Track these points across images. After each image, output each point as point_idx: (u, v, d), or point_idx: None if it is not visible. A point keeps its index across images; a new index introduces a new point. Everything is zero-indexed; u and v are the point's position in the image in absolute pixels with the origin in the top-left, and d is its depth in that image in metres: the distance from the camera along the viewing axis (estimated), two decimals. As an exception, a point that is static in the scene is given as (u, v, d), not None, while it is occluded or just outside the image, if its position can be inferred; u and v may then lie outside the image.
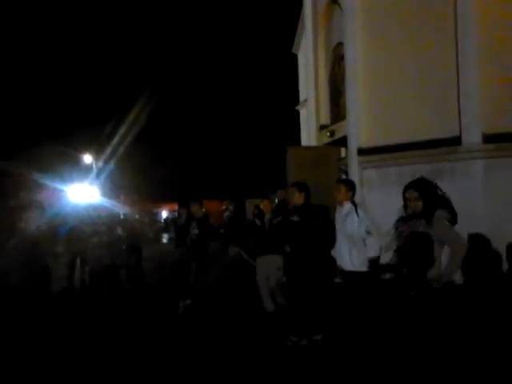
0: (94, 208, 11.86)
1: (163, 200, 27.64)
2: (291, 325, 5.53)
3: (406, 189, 4.53)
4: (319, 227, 5.58)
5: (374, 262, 5.08)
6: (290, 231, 5.82)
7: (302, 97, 15.93)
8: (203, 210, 7.96)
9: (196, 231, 7.46)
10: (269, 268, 6.65)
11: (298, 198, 5.76)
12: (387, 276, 5.45)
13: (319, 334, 5.33)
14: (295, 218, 5.70)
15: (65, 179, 22.09)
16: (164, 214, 27.17)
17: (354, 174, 8.57)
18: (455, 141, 7.54)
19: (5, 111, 24.59)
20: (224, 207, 11.75)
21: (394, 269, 4.55)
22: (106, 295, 7.23)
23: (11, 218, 6.44)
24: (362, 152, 8.60)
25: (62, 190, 20.37)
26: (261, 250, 6.77)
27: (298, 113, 17.49)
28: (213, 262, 7.77)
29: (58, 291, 8.12)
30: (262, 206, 7.15)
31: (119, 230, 8.64)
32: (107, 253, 8.41)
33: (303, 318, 5.43)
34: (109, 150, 25.43)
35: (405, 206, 4.37)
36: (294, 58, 16.86)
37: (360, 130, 8.67)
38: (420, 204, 4.33)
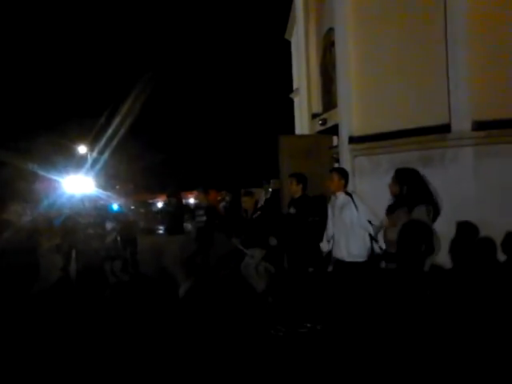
0: (89, 199, 11.91)
1: (159, 190, 27.65)
2: (281, 315, 5.64)
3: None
4: (313, 224, 5.67)
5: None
6: (286, 223, 5.91)
7: (295, 85, 15.86)
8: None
9: (203, 218, 7.58)
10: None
11: (295, 190, 5.87)
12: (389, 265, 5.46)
13: (309, 323, 5.44)
14: (292, 211, 5.81)
15: (60, 170, 22.09)
16: (159, 205, 27.15)
17: (346, 162, 8.60)
18: (445, 128, 7.55)
19: (-1, 102, 24.45)
20: (220, 198, 11.81)
21: (394, 258, 4.60)
22: (99, 287, 7.28)
23: (5, 209, 6.48)
24: (353, 140, 8.62)
25: (58, 181, 20.38)
26: (247, 243, 6.91)
27: (292, 101, 17.42)
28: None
29: (54, 282, 8.26)
30: (243, 203, 7.25)
31: (109, 224, 8.69)
32: (102, 244, 8.47)
33: (294, 308, 5.55)
34: (104, 140, 25.34)
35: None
36: (288, 44, 16.70)
37: (351, 118, 8.67)
38: (396, 189, 4.47)
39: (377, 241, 5.08)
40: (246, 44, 54.36)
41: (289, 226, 5.86)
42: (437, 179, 7.23)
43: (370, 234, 5.09)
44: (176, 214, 7.85)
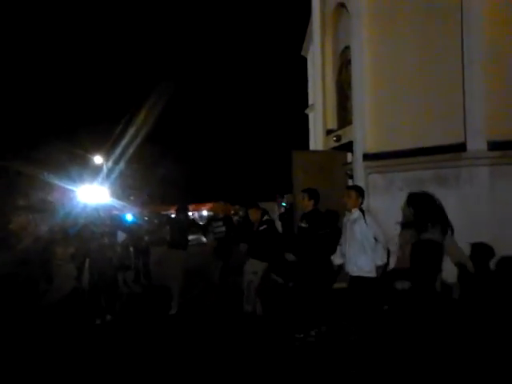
0: (104, 209, 12.02)
1: (173, 202, 27.80)
2: (296, 323, 5.75)
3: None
4: (325, 236, 5.71)
5: (382, 269, 5.13)
6: (299, 236, 5.97)
7: (310, 100, 15.96)
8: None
9: (223, 229, 7.72)
10: (250, 271, 6.85)
11: (307, 205, 5.95)
12: (403, 285, 5.45)
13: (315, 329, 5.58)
14: (304, 225, 5.87)
15: (75, 180, 22.35)
16: (173, 216, 27.24)
17: (360, 179, 8.61)
18: (460, 147, 7.54)
19: (15, 111, 24.89)
20: (233, 212, 11.82)
21: (407, 277, 4.62)
22: (111, 297, 7.34)
23: (22, 218, 6.58)
24: (367, 157, 8.63)
25: (73, 191, 20.63)
26: (249, 253, 7.00)
27: (307, 116, 17.52)
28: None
29: (67, 291, 8.32)
30: (250, 215, 7.34)
31: (120, 235, 8.77)
32: (115, 254, 8.53)
33: (304, 316, 5.67)
34: (119, 150, 25.61)
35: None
36: (305, 60, 16.89)
37: (366, 135, 8.70)
38: (409, 212, 4.56)
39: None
40: (262, 60, 54.88)
41: (300, 240, 5.93)
42: (452, 199, 7.29)
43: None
44: (181, 230, 7.94)
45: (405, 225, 4.75)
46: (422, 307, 4.40)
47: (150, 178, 28.36)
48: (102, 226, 9.25)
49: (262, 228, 7.03)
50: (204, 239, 9.05)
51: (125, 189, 27.20)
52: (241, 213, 10.57)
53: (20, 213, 6.39)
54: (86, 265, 8.96)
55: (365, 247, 5.05)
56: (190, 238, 9.21)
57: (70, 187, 20.14)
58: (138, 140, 25.23)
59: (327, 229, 5.84)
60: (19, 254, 5.56)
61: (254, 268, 6.79)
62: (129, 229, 9.46)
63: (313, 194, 5.98)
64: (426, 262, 4.36)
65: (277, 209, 12.78)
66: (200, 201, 29.30)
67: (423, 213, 4.45)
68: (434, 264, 4.36)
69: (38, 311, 5.97)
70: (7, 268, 5.30)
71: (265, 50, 61.38)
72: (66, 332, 6.21)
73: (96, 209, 10.93)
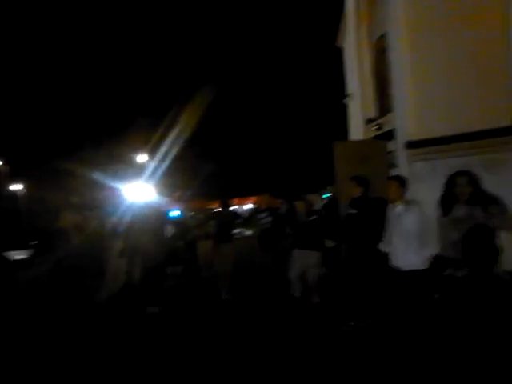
0: (150, 205, 12.37)
1: (216, 197, 28.14)
2: (348, 310, 5.84)
3: (454, 176, 4.62)
4: (373, 220, 5.70)
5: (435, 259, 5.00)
6: (348, 223, 5.99)
7: (348, 90, 15.79)
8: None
9: (269, 219, 7.93)
10: (305, 263, 6.96)
11: (355, 191, 6.02)
12: (459, 273, 5.30)
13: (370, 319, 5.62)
14: (353, 211, 5.91)
15: (122, 178, 23.05)
16: (218, 210, 27.56)
17: (403, 168, 8.49)
18: (507, 131, 7.30)
19: (66, 115, 25.96)
20: (277, 206, 11.92)
21: (462, 264, 4.50)
22: (160, 289, 7.64)
23: (75, 215, 6.91)
24: (410, 145, 8.48)
25: (120, 189, 21.28)
26: (298, 243, 7.05)
27: (344, 107, 17.33)
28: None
29: (119, 287, 8.69)
30: (297, 206, 7.50)
31: (168, 230, 9.05)
32: (163, 249, 8.80)
33: (359, 303, 5.73)
34: (163, 148, 26.12)
35: (445, 195, 4.48)
36: (339, 51, 16.72)
37: (407, 122, 8.55)
38: (469, 189, 4.42)
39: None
40: (297, 54, 54.22)
41: (349, 226, 5.94)
42: (500, 185, 7.04)
43: None
44: (226, 223, 8.15)
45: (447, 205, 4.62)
46: (483, 294, 4.26)
47: (193, 174, 28.82)
48: (148, 222, 9.56)
49: (312, 218, 7.15)
50: (247, 232, 9.24)
51: (169, 186, 27.76)
52: (284, 206, 10.66)
53: (72, 210, 6.71)
54: (136, 260, 9.31)
55: (412, 241, 4.93)
56: (234, 231, 9.40)
57: (117, 185, 20.81)
58: (181, 138, 25.68)
59: (375, 214, 5.79)
60: (75, 248, 5.87)
61: (311, 260, 6.91)
62: (176, 223, 9.77)
63: (362, 181, 6.06)
64: (482, 247, 4.25)
65: (320, 200, 12.75)
66: (244, 195, 29.55)
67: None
68: (490, 249, 4.24)
69: (92, 306, 6.25)
70: (68, 260, 5.64)
71: (299, 45, 60.70)
72: (119, 323, 6.52)
73: (143, 206, 11.30)
